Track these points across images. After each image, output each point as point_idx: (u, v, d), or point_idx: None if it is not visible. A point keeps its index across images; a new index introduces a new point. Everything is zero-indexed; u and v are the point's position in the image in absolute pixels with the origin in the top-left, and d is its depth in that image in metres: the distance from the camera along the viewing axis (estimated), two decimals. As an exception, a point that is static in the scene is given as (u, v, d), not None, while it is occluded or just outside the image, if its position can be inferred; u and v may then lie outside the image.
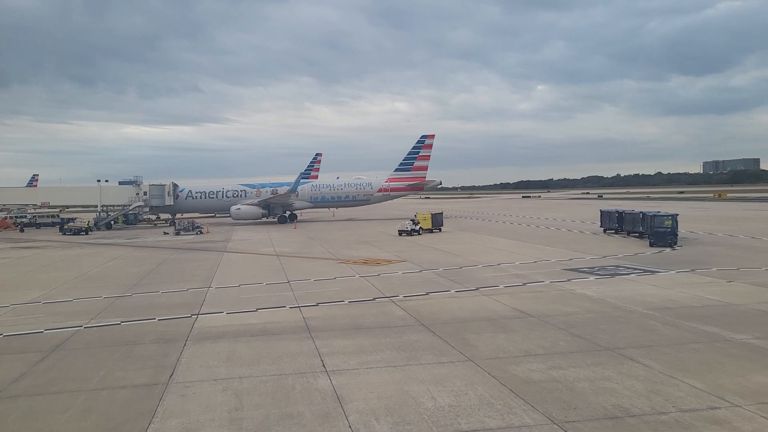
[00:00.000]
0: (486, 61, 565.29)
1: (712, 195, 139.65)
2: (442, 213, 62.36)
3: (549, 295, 24.19)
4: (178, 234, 65.35)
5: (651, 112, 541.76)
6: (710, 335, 17.36)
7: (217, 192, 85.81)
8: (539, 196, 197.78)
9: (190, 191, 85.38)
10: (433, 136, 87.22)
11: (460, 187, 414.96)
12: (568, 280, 27.70)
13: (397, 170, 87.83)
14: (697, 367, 14.47)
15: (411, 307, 22.54)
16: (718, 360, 15.00)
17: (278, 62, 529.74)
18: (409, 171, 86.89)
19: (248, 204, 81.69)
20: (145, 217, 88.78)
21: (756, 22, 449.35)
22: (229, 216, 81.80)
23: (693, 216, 75.07)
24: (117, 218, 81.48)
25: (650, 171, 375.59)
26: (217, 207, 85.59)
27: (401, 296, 24.93)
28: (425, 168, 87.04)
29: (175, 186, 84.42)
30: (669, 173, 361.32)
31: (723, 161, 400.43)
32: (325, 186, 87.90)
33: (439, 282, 28.30)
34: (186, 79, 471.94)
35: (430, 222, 57.89)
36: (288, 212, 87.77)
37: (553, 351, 16.16)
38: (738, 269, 29.87)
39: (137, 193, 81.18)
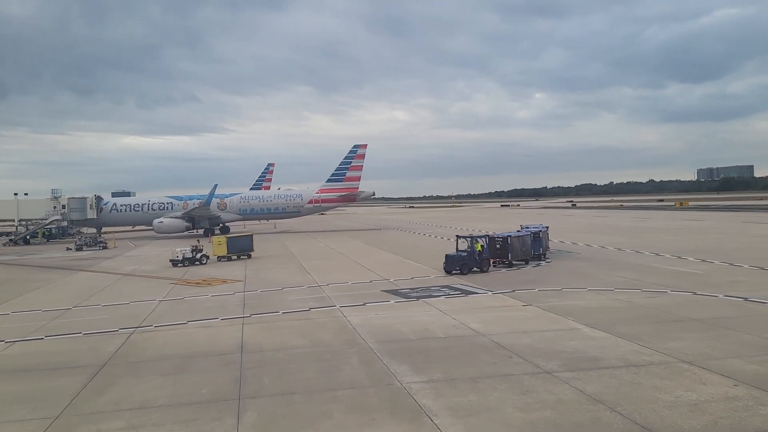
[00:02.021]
0: (484, 69, 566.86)
1: (673, 204, 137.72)
2: (251, 235, 50.29)
3: (302, 325, 22.36)
4: (80, 249, 63.37)
5: (649, 120, 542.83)
6: (379, 378, 15.53)
7: (142, 205, 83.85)
8: (518, 205, 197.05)
9: (114, 204, 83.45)
10: (366, 146, 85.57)
11: (455, 196, 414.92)
12: (364, 304, 25.93)
13: (329, 181, 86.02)
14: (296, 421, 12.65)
15: (137, 341, 20.71)
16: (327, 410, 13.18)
17: (277, 71, 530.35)
18: (341, 182, 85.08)
19: (171, 217, 79.72)
20: (73, 231, 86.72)
21: (753, 29, 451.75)
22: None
23: (617, 227, 73.74)
24: (36, 233, 79.36)
25: (646, 178, 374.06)
26: (143, 220, 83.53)
27: (153, 326, 23.11)
28: (358, 178, 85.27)
29: (99, 199, 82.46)
30: (661, 181, 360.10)
31: (717, 168, 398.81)
32: (254, 198, 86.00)
33: (228, 308, 26.42)
34: (185, 88, 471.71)
35: (225, 247, 45.76)
36: (221, 224, 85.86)
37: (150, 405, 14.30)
38: (561, 289, 28.13)
39: (54, 207, 79.14)
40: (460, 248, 35.40)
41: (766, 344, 17.38)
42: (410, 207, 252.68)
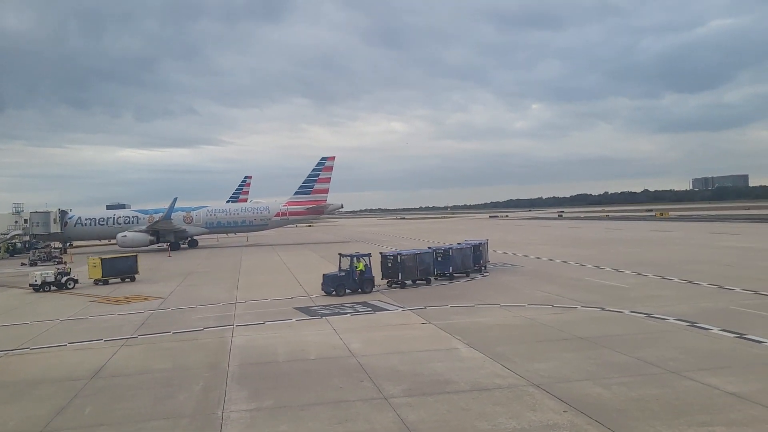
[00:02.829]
0: (481, 81, 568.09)
1: (653, 214, 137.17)
2: (135, 256, 45.48)
3: (181, 347, 21.64)
4: (33, 264, 62.53)
5: (646, 130, 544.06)
6: (206, 406, 14.80)
7: (108, 219, 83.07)
8: (506, 216, 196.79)
9: (79, 218, 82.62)
10: (334, 158, 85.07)
11: (450, 207, 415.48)
12: (263, 323, 25.21)
13: (296, 194, 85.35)
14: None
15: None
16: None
17: (274, 83, 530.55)
18: (309, 194, 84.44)
19: (136, 231, 78.91)
20: (41, 245, 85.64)
21: (748, 39, 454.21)
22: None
23: (582, 239, 73.34)
24: (-1, 247, 78.46)
25: (641, 188, 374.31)
26: (108, 234, 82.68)
27: (30, 348, 22.36)
28: (326, 191, 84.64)
29: (64, 213, 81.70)
30: (656, 190, 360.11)
31: (712, 178, 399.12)
32: (221, 211, 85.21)
33: (123, 328, 25.64)
34: (182, 101, 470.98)
35: (100, 270, 41.66)
36: (188, 238, 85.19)
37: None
38: (474, 306, 27.49)
39: (16, 222, 78.30)
40: (343, 267, 32.76)
41: (631, 365, 16.70)
42: (401, 218, 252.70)
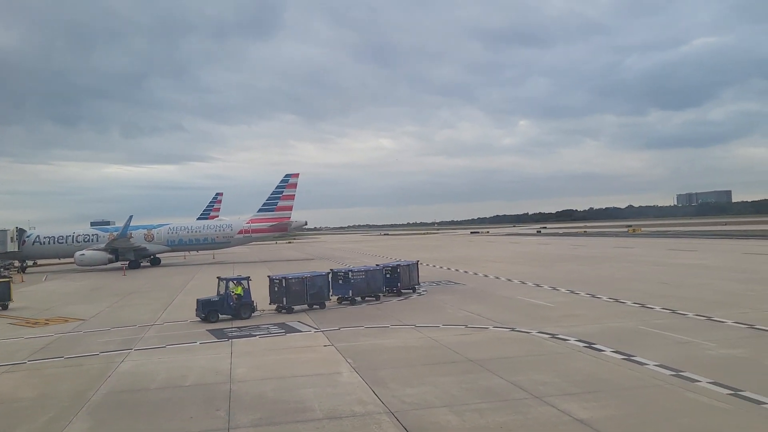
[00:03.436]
0: (469, 97, 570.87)
1: (626, 230, 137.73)
2: (8, 282, 41.19)
3: (62, 373, 20.93)
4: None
5: (631, 146, 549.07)
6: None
7: (66, 237, 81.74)
8: (487, 232, 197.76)
9: (38, 236, 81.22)
10: (298, 174, 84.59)
11: (438, 222, 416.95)
12: (165, 346, 24.56)
13: (260, 211, 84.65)
14: None
15: None
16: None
17: (262, 100, 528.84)
18: (272, 211, 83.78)
19: (94, 249, 77.67)
20: (2, 263, 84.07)
21: (731, 57, 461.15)
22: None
23: (542, 256, 73.39)
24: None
25: (626, 204, 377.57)
26: (66, 252, 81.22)
27: None
28: (290, 208, 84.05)
29: (21, 231, 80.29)
30: (640, 206, 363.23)
31: (696, 194, 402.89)
32: (182, 228, 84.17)
33: (18, 353, 24.83)
34: (170, 118, 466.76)
35: None
36: (151, 256, 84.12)
37: None
38: (389, 326, 27.02)
39: (-31, 240, 76.85)
40: (221, 291, 30.70)
41: (501, 389, 16.31)
42: (386, 234, 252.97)
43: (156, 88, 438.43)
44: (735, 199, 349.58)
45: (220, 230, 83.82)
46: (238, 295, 30.55)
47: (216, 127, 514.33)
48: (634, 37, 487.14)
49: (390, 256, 79.85)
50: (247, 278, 31.77)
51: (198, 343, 25.11)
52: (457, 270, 54.05)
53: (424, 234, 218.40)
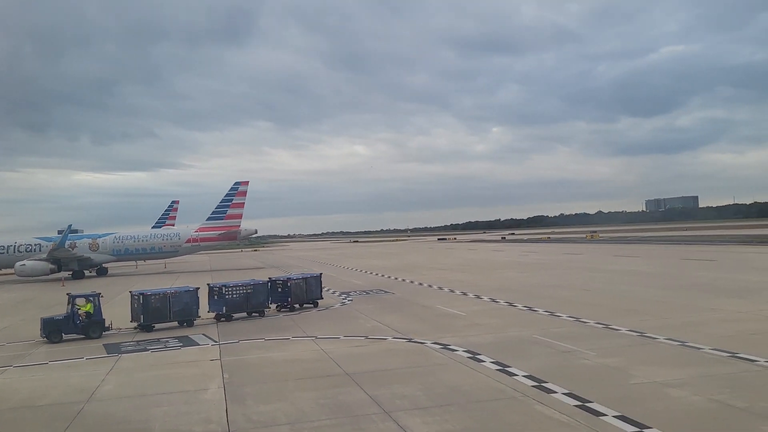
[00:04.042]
0: (443, 104, 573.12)
1: (584, 236, 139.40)
2: None
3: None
4: None
5: (602, 153, 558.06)
6: None
7: (7, 247, 79.42)
8: (454, 239, 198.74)
9: (-23, 247, 78.84)
10: (247, 182, 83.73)
11: (411, 229, 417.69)
12: (47, 362, 23.59)
13: (209, 219, 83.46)
14: None
15: None
16: None
17: (236, 107, 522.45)
18: (222, 219, 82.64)
19: (35, 260, 75.55)
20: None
21: (697, 65, 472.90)
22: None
23: (487, 263, 73.75)
24: None
25: (596, 210, 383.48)
26: (7, 262, 78.89)
27: None
28: (239, 216, 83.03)
29: (-39, 242, 77.89)
30: (609, 212, 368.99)
31: (664, 199, 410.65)
32: (129, 237, 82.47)
33: None
34: (142, 124, 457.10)
35: None
36: (97, 266, 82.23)
37: None
38: (290, 338, 26.50)
39: None
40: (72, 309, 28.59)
41: (357, 405, 15.90)
42: (355, 241, 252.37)
43: (128, 95, 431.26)
44: (702, 204, 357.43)
45: (167, 239, 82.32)
46: (88, 312, 28.51)
47: (189, 133, 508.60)
48: (605, 46, 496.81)
49: (343, 264, 79.51)
50: (98, 295, 29.52)
51: (85, 358, 24.25)
52: (396, 278, 53.76)
53: (392, 241, 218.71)
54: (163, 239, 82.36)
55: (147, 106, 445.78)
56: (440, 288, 43.84)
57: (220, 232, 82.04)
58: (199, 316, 31.79)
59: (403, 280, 51.53)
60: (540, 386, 16.71)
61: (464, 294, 39.38)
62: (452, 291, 41.54)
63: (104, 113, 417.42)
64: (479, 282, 46.88)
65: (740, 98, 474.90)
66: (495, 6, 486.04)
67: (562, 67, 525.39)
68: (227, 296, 32.10)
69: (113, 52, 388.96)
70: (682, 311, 28.26)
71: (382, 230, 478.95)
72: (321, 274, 38.95)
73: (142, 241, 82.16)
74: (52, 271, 75.84)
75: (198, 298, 31.77)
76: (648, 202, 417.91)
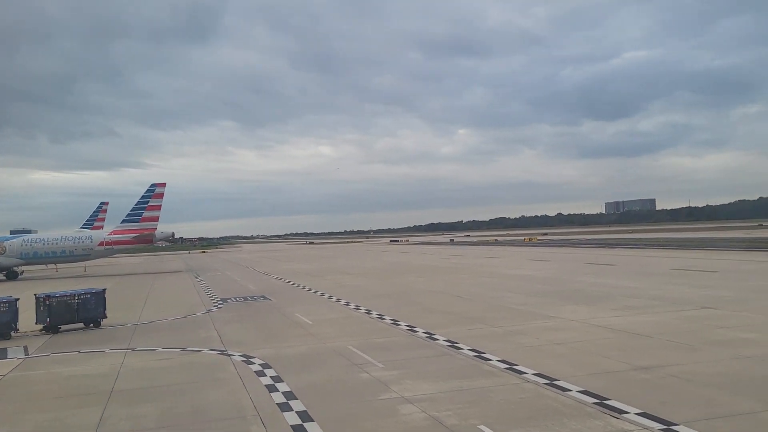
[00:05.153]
0: (409, 106, 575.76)
1: (522, 239, 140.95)
2: None
3: None
4: None
5: (567, 155, 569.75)
6: None
7: None
8: (407, 241, 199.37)
9: None
10: (164, 184, 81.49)
11: (373, 231, 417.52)
12: None
13: (124, 221, 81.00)
14: None
15: None
16: None
17: (200, 106, 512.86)
18: (137, 222, 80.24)
19: (-66, 264, 71.97)
20: None
21: (658, 71, 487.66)
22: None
23: (403, 267, 73.45)
24: None
25: (556, 212, 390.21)
26: None
27: None
28: (156, 219, 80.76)
29: None
30: (569, 214, 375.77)
31: (623, 202, 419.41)
32: (38, 240, 79.37)
33: None
34: (101, 123, 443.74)
35: None
36: (4, 270, 78.85)
37: None
38: (106, 351, 25.17)
39: None
40: None
41: (76, 427, 14.74)
42: (310, 243, 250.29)
43: (88, 92, 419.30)
44: (659, 206, 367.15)
45: (78, 242, 79.44)
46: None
47: (151, 132, 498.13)
48: (569, 50, 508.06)
49: (262, 269, 78.20)
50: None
51: None
52: (297, 284, 52.74)
53: (348, 243, 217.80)
54: (74, 242, 79.41)
55: (108, 105, 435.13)
56: (322, 294, 43.01)
57: (134, 234, 79.62)
58: (18, 330, 29.84)
59: (298, 285, 50.59)
60: (285, 403, 15.92)
61: (337, 301, 38.63)
62: (330, 298, 40.76)
63: (63, 111, 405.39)
64: (372, 287, 46.20)
65: (699, 103, 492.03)
66: (463, 9, 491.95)
67: (527, 71, 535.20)
68: (52, 306, 30.22)
69: (73, 49, 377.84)
70: (521, 319, 27.94)
71: (346, 231, 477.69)
72: (105, 290, 33.29)
73: (52, 244, 79.07)
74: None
75: (17, 309, 29.77)
76: (607, 205, 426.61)
